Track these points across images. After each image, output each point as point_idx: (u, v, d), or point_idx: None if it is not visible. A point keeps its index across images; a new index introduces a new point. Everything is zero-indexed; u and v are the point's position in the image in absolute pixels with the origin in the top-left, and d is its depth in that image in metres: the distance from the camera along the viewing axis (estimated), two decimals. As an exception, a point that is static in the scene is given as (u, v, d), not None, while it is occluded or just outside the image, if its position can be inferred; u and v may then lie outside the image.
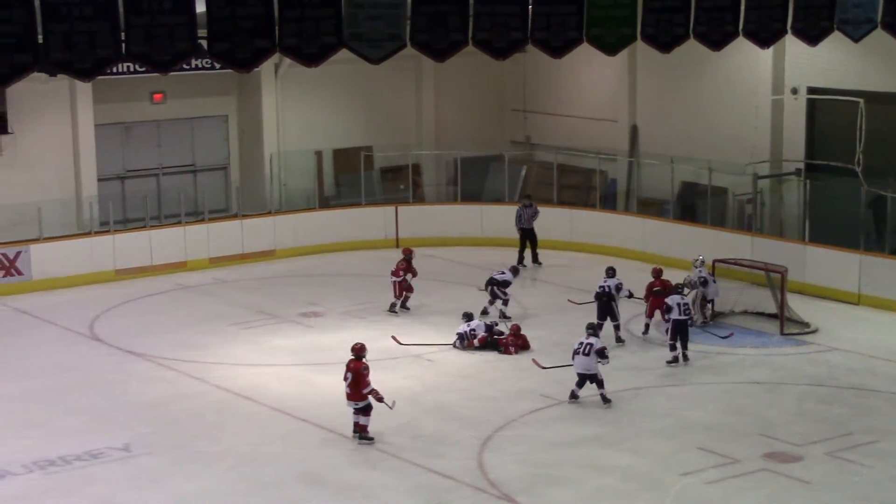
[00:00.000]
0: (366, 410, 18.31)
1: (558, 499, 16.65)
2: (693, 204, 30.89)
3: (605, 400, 20.14)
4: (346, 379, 18.32)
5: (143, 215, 30.17)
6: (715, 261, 25.09)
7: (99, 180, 30.64)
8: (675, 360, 22.02)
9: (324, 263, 30.28)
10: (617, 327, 23.58)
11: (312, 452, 18.34)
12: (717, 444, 18.38)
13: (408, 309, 25.72)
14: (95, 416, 19.94)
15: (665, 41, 18.80)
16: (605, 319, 23.31)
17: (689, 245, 27.42)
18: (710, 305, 24.71)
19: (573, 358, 20.27)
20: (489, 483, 17.08)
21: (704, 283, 24.48)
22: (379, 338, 23.93)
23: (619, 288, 23.77)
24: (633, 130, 33.13)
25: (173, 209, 30.59)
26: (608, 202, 32.42)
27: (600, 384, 20.11)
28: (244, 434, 19.04)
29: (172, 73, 16.94)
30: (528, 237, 29.93)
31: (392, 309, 25.68)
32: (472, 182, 33.71)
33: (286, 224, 31.24)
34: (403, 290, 25.70)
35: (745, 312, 25.12)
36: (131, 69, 27.80)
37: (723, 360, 22.63)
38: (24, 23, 13.37)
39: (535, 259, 29.88)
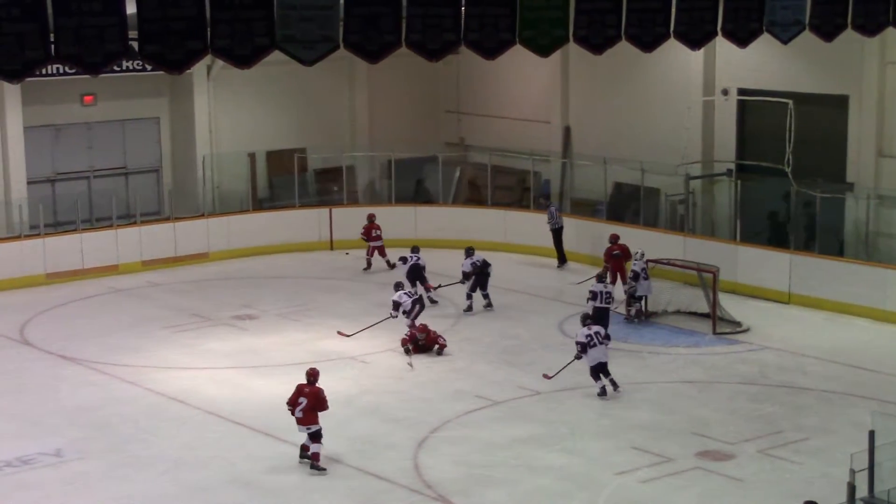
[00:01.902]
0: (318, 436, 17.61)
1: (494, 499, 16.69)
2: (626, 204, 31.10)
3: (616, 385, 20.60)
4: (297, 404, 17.61)
5: (74, 218, 29.89)
6: (647, 261, 25.29)
7: (28, 183, 30.29)
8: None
9: (258, 266, 30.16)
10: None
11: (246, 456, 18.25)
12: (652, 444, 18.52)
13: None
14: (26, 421, 19.73)
15: (597, 43, 18.88)
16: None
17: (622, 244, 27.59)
18: (637, 303, 24.85)
19: (585, 352, 20.44)
20: (425, 484, 17.09)
21: (636, 277, 24.66)
22: (314, 340, 23.91)
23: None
24: (567, 131, 33.30)
25: (105, 212, 30.32)
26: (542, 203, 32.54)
27: (607, 370, 20.56)
28: (177, 438, 18.92)
29: (103, 75, 16.82)
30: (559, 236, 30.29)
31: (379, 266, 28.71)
32: (406, 184, 33.72)
33: (219, 226, 31.08)
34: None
35: (677, 312, 25.35)
36: (61, 71, 27.60)
37: (656, 359, 22.80)
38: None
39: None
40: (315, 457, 17.54)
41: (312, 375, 17.81)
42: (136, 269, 29.52)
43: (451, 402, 20.45)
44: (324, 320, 25.36)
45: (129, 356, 22.96)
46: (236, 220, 31.44)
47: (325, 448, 18.26)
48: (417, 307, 23.39)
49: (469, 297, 25.69)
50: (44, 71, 17.83)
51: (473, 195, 33.68)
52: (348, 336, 22.97)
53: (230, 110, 32.95)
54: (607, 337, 20.86)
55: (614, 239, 26.23)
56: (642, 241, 27.64)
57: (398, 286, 23.88)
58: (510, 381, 21.43)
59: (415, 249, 26.55)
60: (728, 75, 29.90)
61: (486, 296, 25.77)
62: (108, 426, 19.42)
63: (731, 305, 25.06)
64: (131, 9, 14.70)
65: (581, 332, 20.65)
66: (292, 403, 17.70)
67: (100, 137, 31.96)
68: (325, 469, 17.49)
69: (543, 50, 18.33)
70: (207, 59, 17.16)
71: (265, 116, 33.67)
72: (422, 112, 35.81)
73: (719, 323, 24.36)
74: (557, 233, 29.97)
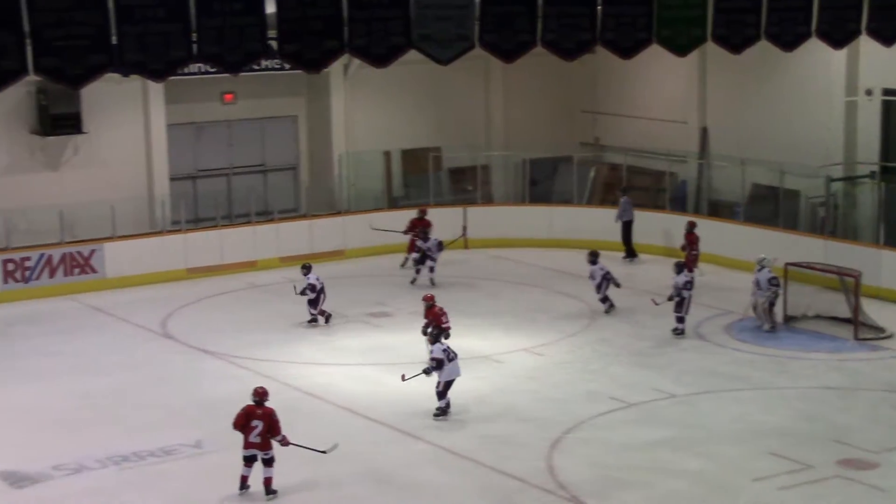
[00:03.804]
0: (272, 461, 16.60)
1: (628, 502, 16.55)
2: (764, 206, 30.59)
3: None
4: (251, 428, 16.43)
5: (214, 214, 30.43)
6: (787, 264, 24.84)
7: (171, 180, 30.93)
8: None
9: (392, 264, 30.34)
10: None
11: (381, 451, 18.38)
12: (790, 450, 18.16)
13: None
14: (168, 412, 20.13)
15: (736, 42, 18.63)
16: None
17: (760, 248, 27.10)
18: (773, 308, 24.34)
19: (441, 367, 19.38)
20: (558, 485, 17.02)
21: (776, 283, 24.16)
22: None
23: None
24: (704, 132, 32.87)
25: (243, 209, 30.82)
26: (678, 204, 32.20)
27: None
28: (313, 433, 19.08)
29: (243, 74, 17.06)
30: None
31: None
32: (541, 184, 33.64)
33: (355, 224, 31.36)
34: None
35: (817, 317, 24.82)
36: (202, 70, 28.04)
37: (796, 364, 22.38)
38: (98, 25, 13.54)
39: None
40: (268, 482, 16.58)
41: (263, 395, 16.65)
42: (273, 265, 29.94)
43: (585, 403, 20.33)
44: (457, 319, 25.31)
45: (267, 351, 23.29)
46: (372, 218, 31.67)
47: (459, 444, 18.33)
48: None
49: (605, 300, 25.43)
50: (186, 70, 18.19)
51: (608, 196, 33.44)
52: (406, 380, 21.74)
53: (366, 109, 33.20)
54: (455, 354, 19.83)
55: (691, 226, 27.31)
56: (781, 244, 27.23)
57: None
58: (645, 383, 21.23)
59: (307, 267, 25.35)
60: (872, 75, 29.22)
61: (605, 299, 25.44)
62: (245, 420, 19.69)
63: (873, 311, 24.49)
64: (271, 8, 14.93)
65: (437, 348, 19.65)
66: (241, 426, 16.47)
67: (239, 135, 32.48)
68: (276, 491, 16.59)
69: (681, 49, 18.17)
70: (344, 57, 17.29)
71: (401, 115, 33.86)
72: (557, 112, 35.66)
73: (861, 328, 23.82)
74: (627, 225, 30.16)
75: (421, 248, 27.93)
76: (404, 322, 25.16)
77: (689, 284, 23.72)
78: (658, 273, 27.78)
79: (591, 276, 25.32)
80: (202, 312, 26.37)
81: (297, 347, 23.55)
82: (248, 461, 16.56)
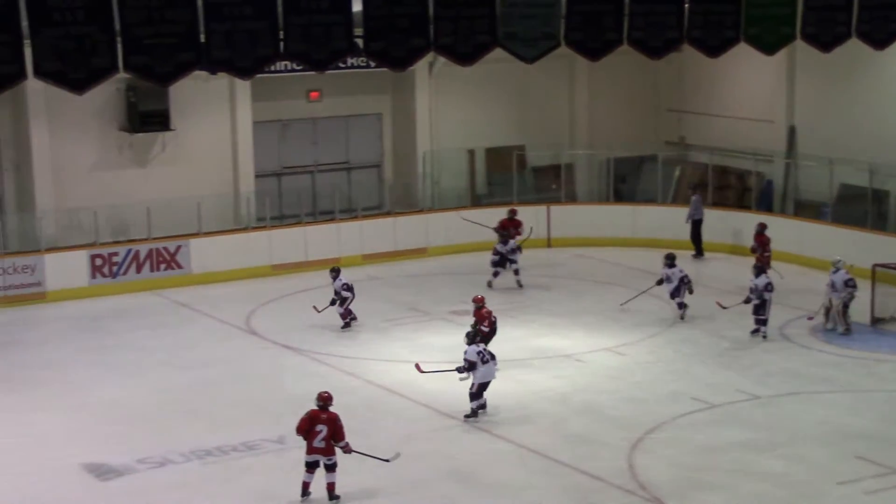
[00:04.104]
0: (335, 467, 16.42)
1: (709, 504, 16.45)
2: (852, 207, 30.17)
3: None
4: (315, 433, 16.22)
5: (299, 212, 30.65)
6: (875, 265, 24.47)
7: (256, 176, 31.20)
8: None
9: (475, 261, 30.30)
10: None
11: (462, 450, 18.40)
12: (877, 454, 17.90)
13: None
14: (251, 408, 20.31)
15: (826, 40, 18.38)
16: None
17: (848, 249, 26.76)
18: (847, 310, 23.96)
19: (474, 369, 19.25)
20: (639, 485, 16.93)
21: (853, 284, 23.80)
22: (530, 337, 23.95)
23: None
24: (791, 131, 32.47)
25: (328, 206, 31.01)
26: (764, 204, 31.86)
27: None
28: (395, 430, 19.19)
29: (329, 72, 17.13)
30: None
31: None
32: (628, 182, 33.49)
33: (438, 222, 31.42)
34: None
35: (905, 319, 24.48)
36: (289, 67, 28.27)
37: (883, 367, 22.06)
38: (187, 22, 13.68)
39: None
40: (331, 487, 16.42)
41: (327, 400, 16.40)
42: (356, 262, 30.09)
43: (667, 403, 20.20)
44: (540, 318, 25.37)
45: (350, 348, 23.41)
46: (455, 216, 31.72)
47: (541, 443, 18.30)
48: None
49: (682, 305, 25.01)
50: (272, 67, 18.30)
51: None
52: (423, 372, 20.65)
53: (451, 107, 33.24)
54: (493, 356, 19.63)
55: (762, 228, 27.20)
56: (869, 245, 26.84)
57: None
58: (728, 384, 21.05)
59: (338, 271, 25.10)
60: (965, 72, 28.74)
61: (682, 305, 25.02)
62: (327, 416, 19.80)
63: (963, 313, 24.09)
64: (357, 7, 14.99)
65: (471, 350, 19.37)
66: (305, 431, 16.28)
67: (324, 133, 32.67)
68: (339, 497, 16.48)
69: (769, 48, 17.97)
70: (430, 56, 17.32)
71: (485, 113, 33.86)
72: (642, 110, 35.46)
73: (951, 331, 23.43)
74: (697, 224, 30.10)
75: (500, 251, 27.74)
76: (486, 320, 25.16)
77: (769, 286, 23.43)
78: (736, 272, 27.57)
79: (668, 279, 24.97)
80: (286, 309, 26.57)
81: (380, 344, 23.65)
82: (311, 467, 16.36)
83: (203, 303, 26.77)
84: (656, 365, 22.30)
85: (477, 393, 19.48)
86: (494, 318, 21.72)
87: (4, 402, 20.81)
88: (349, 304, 24.63)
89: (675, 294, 24.95)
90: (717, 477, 17.24)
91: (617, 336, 23.89)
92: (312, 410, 16.34)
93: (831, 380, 21.36)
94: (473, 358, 19.26)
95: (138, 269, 28.05)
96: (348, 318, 24.63)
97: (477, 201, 33.05)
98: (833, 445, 18.33)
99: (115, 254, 27.89)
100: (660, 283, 25.04)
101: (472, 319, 21.92)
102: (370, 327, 24.79)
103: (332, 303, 24.55)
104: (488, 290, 27.07)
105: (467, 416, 19.46)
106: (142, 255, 28.03)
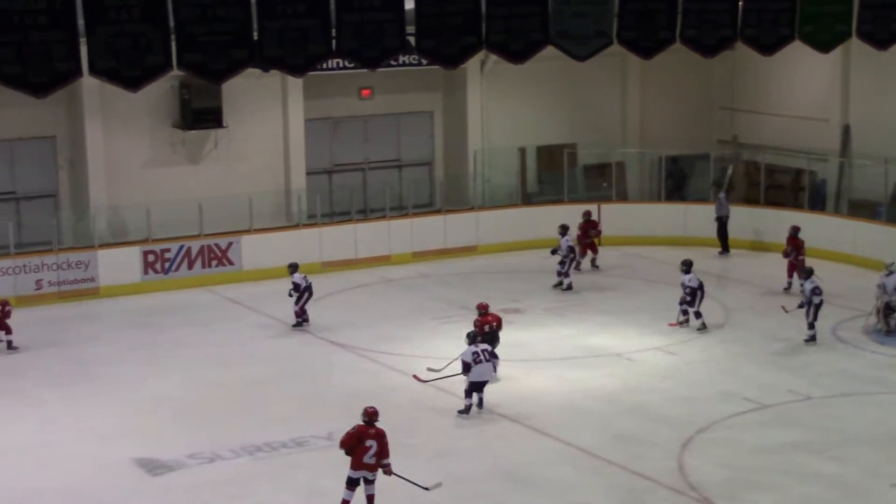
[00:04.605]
0: (374, 480, 15.96)
1: (760, 505, 16.34)
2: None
3: (481, 406, 19.77)
4: (364, 448, 15.69)
5: (349, 209, 30.73)
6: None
7: (307, 174, 31.31)
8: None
9: (525, 260, 30.32)
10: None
11: (509, 448, 18.38)
12: (930, 456, 17.75)
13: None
14: (301, 404, 20.39)
15: (882, 38, 18.22)
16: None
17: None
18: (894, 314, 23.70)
19: (468, 371, 19.45)
20: (689, 486, 16.84)
21: (884, 289, 23.55)
22: (580, 336, 23.90)
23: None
24: (846, 130, 32.18)
25: (378, 203, 31.08)
26: (817, 203, 31.62)
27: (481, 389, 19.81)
28: (442, 428, 19.20)
29: (380, 70, 17.18)
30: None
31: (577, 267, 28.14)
32: (682, 179, 33.34)
33: (489, 220, 31.41)
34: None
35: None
36: (341, 65, 28.39)
37: (937, 368, 21.86)
38: (240, 20, 13.76)
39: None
40: (371, 499, 15.97)
41: (373, 415, 15.87)
42: (406, 260, 30.14)
43: (718, 403, 20.08)
44: (590, 317, 25.30)
45: (399, 345, 23.44)
46: (505, 214, 31.71)
47: (590, 442, 18.25)
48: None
49: (697, 315, 24.18)
50: (324, 65, 18.37)
51: (745, 194, 32.99)
52: (424, 382, 20.95)
53: (502, 105, 33.21)
54: (493, 356, 19.95)
55: (795, 231, 26.93)
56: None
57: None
58: (779, 385, 20.90)
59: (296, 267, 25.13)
60: None
61: (697, 314, 24.24)
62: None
63: None
64: (409, 5, 15.02)
65: (466, 351, 19.56)
66: (352, 446, 15.72)
67: (375, 130, 32.73)
68: None
69: (824, 46, 17.85)
70: (481, 53, 17.32)
71: (536, 111, 33.81)
72: (694, 109, 35.28)
73: None
74: (723, 221, 30.22)
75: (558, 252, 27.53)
76: (536, 318, 25.16)
77: (817, 290, 23.09)
78: (762, 269, 27.72)
79: (683, 286, 24.38)
80: (336, 306, 26.64)
81: (429, 342, 23.65)
82: (354, 484, 15.84)
83: (254, 299, 26.90)
84: (707, 364, 22.18)
85: (468, 391, 19.64)
86: (495, 325, 21.49)
87: (58, 396, 21.01)
88: (305, 303, 24.64)
89: (691, 302, 24.10)
90: (768, 478, 17.12)
91: (668, 335, 23.78)
92: (360, 426, 15.80)
93: (884, 381, 21.15)
94: (467, 359, 19.53)
95: (190, 266, 28.23)
96: (301, 318, 24.67)
97: (527, 199, 33.01)
98: (886, 447, 18.15)
99: (167, 250, 28.08)
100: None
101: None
102: (420, 325, 24.81)
103: (290, 294, 24.67)
104: (554, 289, 27.30)
105: (460, 412, 19.63)
106: (193, 252, 28.21)
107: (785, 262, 26.85)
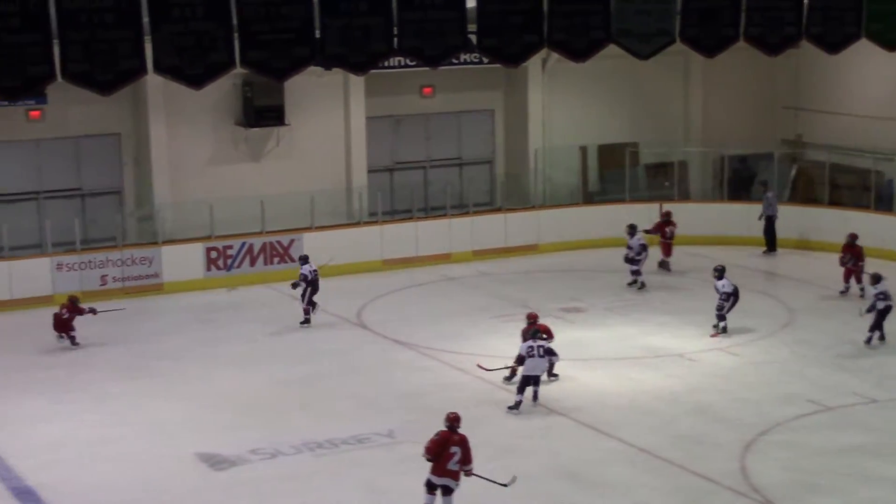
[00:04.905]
0: (453, 491, 15.50)
1: (823, 508, 16.19)
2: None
3: (535, 399, 20.04)
4: (448, 455, 15.31)
5: (410, 207, 30.79)
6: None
7: (369, 171, 31.39)
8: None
9: (586, 259, 30.24)
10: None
11: (571, 447, 18.33)
12: None
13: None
14: (361, 401, 20.45)
15: (951, 36, 17.94)
16: None
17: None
18: None
19: (522, 363, 19.84)
20: (751, 488, 16.71)
21: None
22: (641, 335, 23.79)
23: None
24: (913, 129, 31.81)
25: (439, 201, 31.10)
26: (884, 203, 31.25)
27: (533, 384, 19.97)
28: (504, 426, 19.18)
29: (442, 68, 17.17)
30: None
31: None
32: (740, 180, 33.10)
33: (550, 219, 31.35)
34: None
35: None
36: (402, 63, 28.43)
37: None
38: (303, 18, 13.80)
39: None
40: None
41: (456, 420, 15.50)
42: (467, 258, 30.15)
43: (781, 405, 19.91)
44: (651, 316, 25.18)
45: (459, 343, 23.45)
46: (566, 213, 31.63)
47: (651, 443, 18.17)
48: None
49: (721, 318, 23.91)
50: (386, 63, 18.40)
51: (810, 194, 32.69)
52: (488, 370, 21.07)
53: (563, 103, 33.12)
54: (549, 352, 20.09)
55: (853, 238, 26.43)
56: None
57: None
58: (844, 387, 20.69)
59: (305, 260, 25.40)
60: None
61: (721, 317, 23.89)
62: (437, 411, 19.69)
63: None
64: (471, 3, 14.99)
65: (524, 346, 19.84)
66: (438, 453, 15.31)
67: (437, 128, 32.76)
68: None
69: (892, 44, 17.60)
70: (542, 52, 17.27)
71: (597, 110, 33.69)
72: (757, 107, 34.99)
73: None
74: (771, 220, 30.08)
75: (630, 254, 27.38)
76: (598, 318, 25.07)
77: (881, 296, 22.80)
78: (810, 267, 27.69)
79: (718, 292, 24.06)
80: (396, 303, 26.71)
81: (489, 340, 23.64)
82: (435, 489, 15.43)
83: (315, 296, 26.95)
84: (770, 366, 22.00)
85: (520, 386, 19.83)
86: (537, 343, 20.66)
87: (122, 390, 21.22)
88: (311, 296, 24.86)
89: (721, 305, 23.85)
90: (832, 481, 16.96)
91: (730, 336, 23.60)
92: (443, 432, 15.44)
93: (951, 384, 20.90)
94: (522, 352, 19.79)
95: (252, 263, 28.41)
96: (308, 315, 24.89)
97: (588, 198, 32.90)
98: (952, 451, 17.94)
99: (230, 247, 28.28)
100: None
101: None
102: (480, 323, 24.80)
103: (294, 286, 24.98)
104: (628, 288, 27.23)
105: (510, 407, 19.76)
106: (255, 249, 28.38)
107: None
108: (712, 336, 23.60)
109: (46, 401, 20.68)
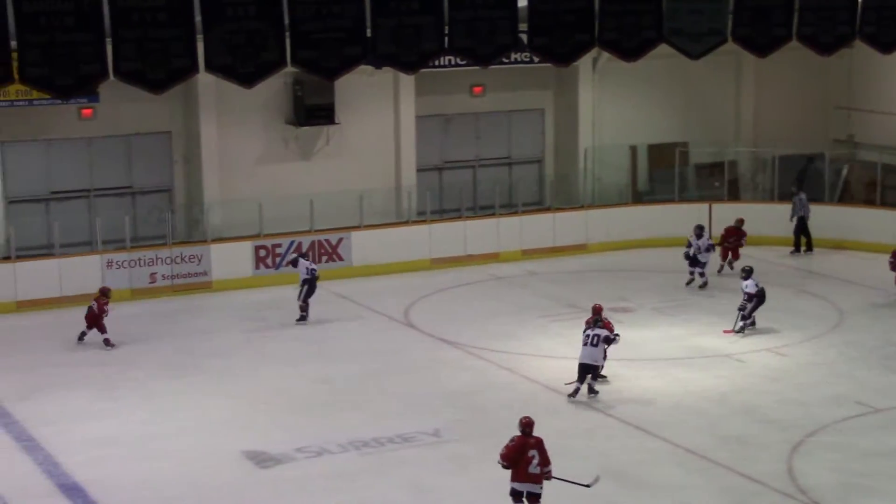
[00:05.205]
0: (539, 497, 15.31)
1: (872, 511, 16.07)
2: None
3: (593, 392, 20.21)
4: (527, 459, 15.13)
5: (459, 206, 30.80)
6: None
7: (418, 170, 31.43)
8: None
9: (635, 259, 30.15)
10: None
11: (617, 448, 18.29)
12: None
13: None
14: (408, 400, 20.48)
15: None
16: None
17: None
18: None
19: None
20: (799, 489, 16.62)
21: None
22: (689, 336, 23.70)
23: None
24: (966, 130, 31.51)
25: (488, 201, 31.09)
26: (934, 205, 31.00)
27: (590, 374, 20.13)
28: (550, 426, 19.04)
29: (492, 67, 17.16)
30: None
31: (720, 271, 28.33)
32: (791, 181, 32.86)
33: (599, 218, 31.28)
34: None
35: None
36: (452, 62, 28.45)
37: None
38: (354, 17, 13.84)
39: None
40: None
41: (529, 425, 15.33)
42: (515, 257, 30.13)
43: (829, 406, 19.78)
44: (700, 317, 25.06)
45: (507, 343, 23.45)
46: (616, 213, 31.54)
47: (698, 443, 18.10)
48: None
49: (743, 318, 23.96)
50: (436, 62, 18.42)
51: (861, 194, 32.42)
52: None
53: (613, 103, 33.03)
54: (606, 340, 20.15)
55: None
56: None
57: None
58: (894, 389, 20.52)
59: (305, 256, 26.17)
60: None
61: (744, 317, 23.91)
62: (484, 410, 19.89)
63: None
64: (522, 2, 14.98)
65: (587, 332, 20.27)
66: (515, 459, 15.18)
67: (486, 127, 32.73)
68: None
69: (945, 44, 17.40)
70: (593, 51, 17.24)
71: (648, 109, 33.58)
72: (809, 107, 34.74)
73: None
74: (802, 220, 30.01)
75: (691, 254, 27.23)
76: (646, 318, 24.99)
77: None
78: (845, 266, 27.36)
79: (743, 292, 23.98)
80: (444, 302, 26.74)
81: (537, 340, 23.63)
82: (519, 496, 15.25)
83: (363, 295, 27.09)
84: (819, 367, 21.86)
85: (579, 373, 20.13)
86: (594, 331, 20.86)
87: (171, 387, 21.37)
88: (307, 297, 25.12)
89: (744, 306, 23.80)
90: (881, 483, 16.83)
91: (778, 337, 23.48)
92: (519, 437, 15.24)
93: None
94: (583, 340, 20.27)
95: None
96: (306, 311, 25.13)
97: (638, 198, 32.79)
98: None
99: (279, 245, 28.39)
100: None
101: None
102: (528, 323, 24.79)
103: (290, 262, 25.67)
104: (686, 287, 27.22)
105: (569, 395, 20.16)
106: (304, 247, 28.47)
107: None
108: (725, 332, 23.60)
109: (95, 397, 20.87)
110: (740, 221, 28.85)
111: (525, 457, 15.12)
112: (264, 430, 19.12)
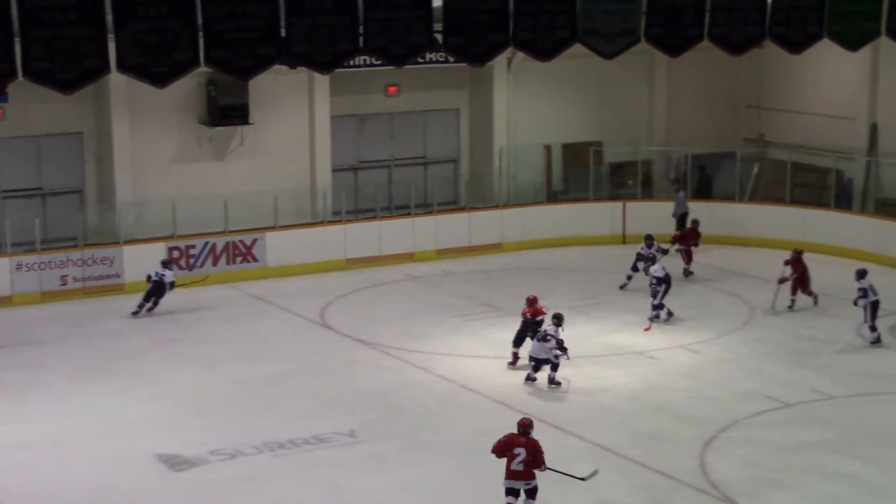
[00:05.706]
0: (535, 492, 15.67)
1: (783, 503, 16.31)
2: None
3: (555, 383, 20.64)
4: (512, 455, 15.52)
5: (374, 206, 30.76)
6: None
7: (333, 171, 31.34)
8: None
9: (550, 258, 30.30)
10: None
11: (534, 446, 18.34)
12: (954, 457, 17.67)
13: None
14: (323, 401, 20.41)
15: (910, 37, 18.13)
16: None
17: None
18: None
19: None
20: (711, 484, 16.82)
21: None
22: (603, 333, 23.87)
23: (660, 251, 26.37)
24: (873, 129, 32.04)
25: (403, 200, 31.09)
26: (843, 202, 31.48)
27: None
28: (467, 425, 19.20)
29: (407, 67, 17.19)
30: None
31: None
32: (702, 183, 33.29)
33: (513, 217, 31.39)
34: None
35: None
36: (367, 62, 28.41)
37: (963, 369, 21.75)
38: (268, 17, 13.80)
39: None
40: None
41: (528, 426, 15.76)
42: (430, 257, 30.16)
43: (741, 402, 20.04)
44: (614, 314, 25.26)
45: (422, 342, 23.46)
46: (530, 212, 31.69)
47: (612, 440, 18.24)
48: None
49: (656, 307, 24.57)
50: (351, 62, 18.37)
51: (771, 192, 32.88)
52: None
53: (528, 102, 33.18)
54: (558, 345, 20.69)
55: (797, 254, 25.53)
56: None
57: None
58: (802, 384, 20.84)
59: (166, 264, 26.17)
60: None
61: (658, 307, 24.52)
62: (400, 410, 19.89)
63: None
64: (437, 2, 15.03)
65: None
66: (501, 453, 15.63)
67: (401, 127, 32.74)
68: None
69: (853, 44, 17.81)
70: (508, 51, 17.31)
71: (562, 109, 33.78)
72: (720, 107, 35.18)
73: None
74: (682, 219, 30.32)
75: (642, 254, 27.12)
76: (560, 316, 25.11)
77: (860, 291, 22.86)
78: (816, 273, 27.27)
79: (651, 277, 24.53)
80: (359, 303, 26.68)
81: (452, 339, 23.67)
82: (512, 494, 15.51)
83: (278, 296, 26.96)
84: (730, 363, 22.13)
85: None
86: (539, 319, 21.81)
87: (82, 391, 21.09)
88: (152, 301, 25.46)
89: (655, 292, 24.37)
90: (791, 477, 17.08)
91: (691, 333, 23.74)
92: (511, 435, 15.68)
93: (910, 381, 21.09)
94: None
95: (214, 262, 28.30)
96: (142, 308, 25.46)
97: (553, 197, 32.98)
98: (911, 448, 18.10)
99: (192, 246, 28.15)
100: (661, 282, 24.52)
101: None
102: (443, 322, 24.83)
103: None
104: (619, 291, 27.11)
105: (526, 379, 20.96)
106: (218, 248, 28.27)
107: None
108: (646, 330, 23.90)
109: (5, 401, 20.54)
110: (696, 223, 28.95)
111: (511, 453, 15.48)
112: (178, 433, 18.93)
